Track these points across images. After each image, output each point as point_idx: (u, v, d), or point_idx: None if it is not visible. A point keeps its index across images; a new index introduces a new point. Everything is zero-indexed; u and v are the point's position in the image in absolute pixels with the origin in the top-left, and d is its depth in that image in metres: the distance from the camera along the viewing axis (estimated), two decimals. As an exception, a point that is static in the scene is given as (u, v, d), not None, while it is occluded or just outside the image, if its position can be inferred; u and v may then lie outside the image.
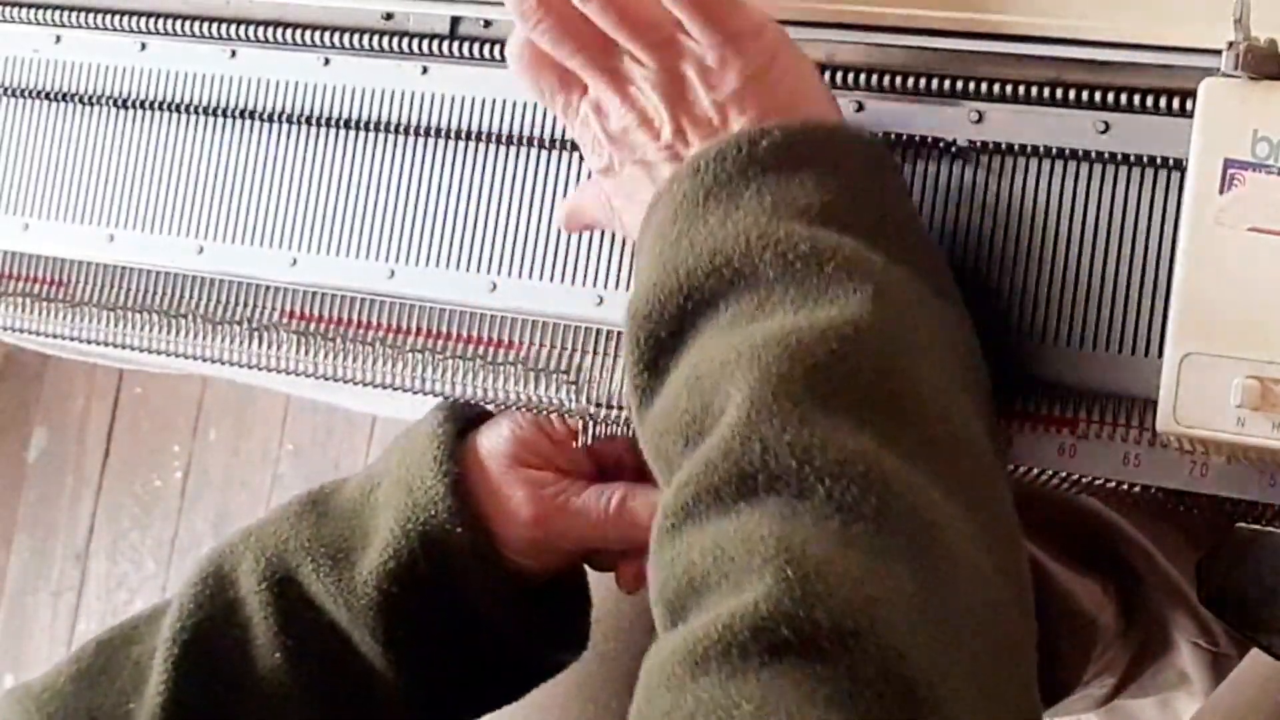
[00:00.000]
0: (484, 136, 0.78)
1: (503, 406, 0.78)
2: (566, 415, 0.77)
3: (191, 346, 0.83)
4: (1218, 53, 0.63)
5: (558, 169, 0.77)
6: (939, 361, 0.63)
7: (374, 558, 0.76)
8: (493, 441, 0.78)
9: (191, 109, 0.82)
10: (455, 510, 0.76)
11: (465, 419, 0.79)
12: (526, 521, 0.77)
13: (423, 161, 0.79)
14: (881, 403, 0.60)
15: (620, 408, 0.76)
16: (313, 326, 0.81)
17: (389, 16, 0.80)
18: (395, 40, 0.79)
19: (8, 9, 0.86)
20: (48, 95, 0.85)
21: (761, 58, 0.68)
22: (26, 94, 0.85)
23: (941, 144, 0.72)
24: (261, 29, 0.81)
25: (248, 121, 0.82)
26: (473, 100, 0.78)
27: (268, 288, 0.82)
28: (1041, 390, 0.70)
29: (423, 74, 0.79)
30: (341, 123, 0.80)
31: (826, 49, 0.73)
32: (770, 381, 0.59)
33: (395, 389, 0.80)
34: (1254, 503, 0.68)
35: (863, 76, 0.73)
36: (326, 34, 0.80)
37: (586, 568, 0.81)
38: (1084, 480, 0.70)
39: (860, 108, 0.73)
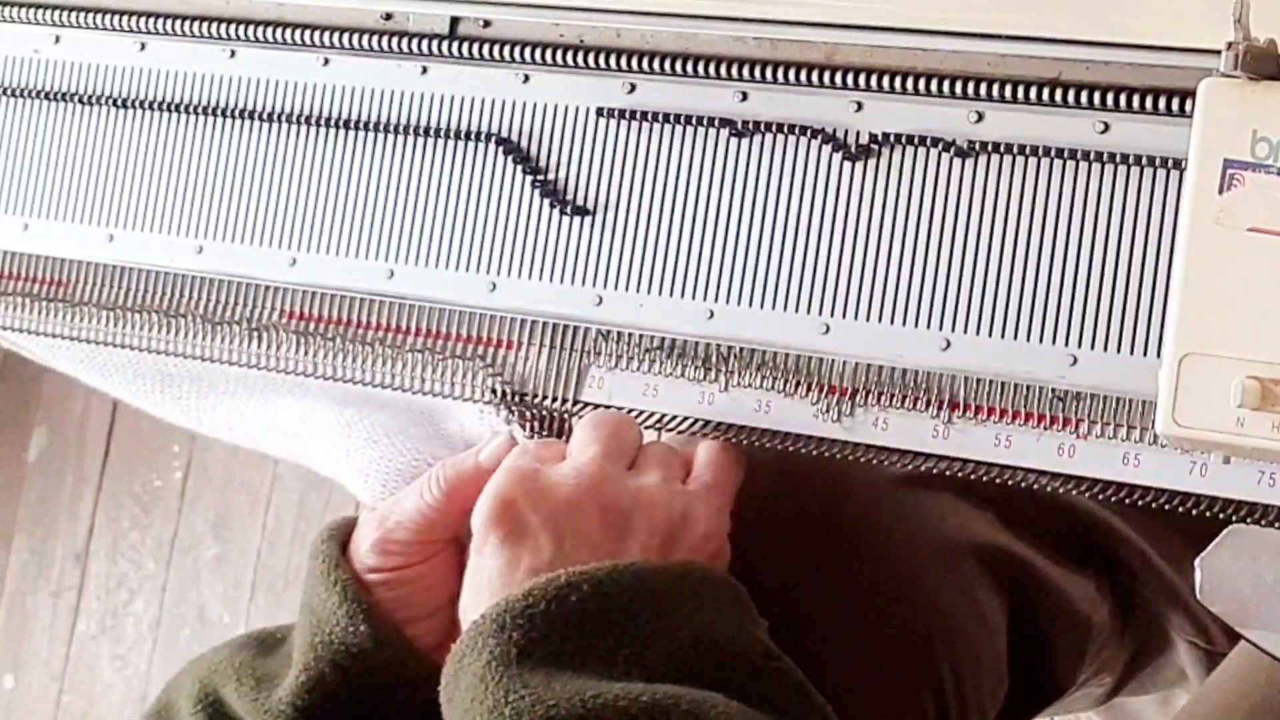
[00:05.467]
0: (484, 136, 0.78)
1: (500, 405, 0.79)
2: (562, 415, 0.78)
3: (191, 346, 0.83)
4: (1218, 53, 0.63)
5: (557, 169, 0.77)
6: None
7: (290, 679, 0.76)
8: (359, 552, 0.78)
9: (191, 109, 0.82)
10: (351, 615, 0.75)
11: (346, 533, 0.79)
12: (425, 600, 0.77)
13: (422, 161, 0.79)
14: None
15: (618, 409, 0.77)
16: (312, 326, 0.81)
17: (388, 16, 0.80)
18: (395, 40, 0.79)
19: (7, 9, 0.86)
20: (48, 95, 0.85)
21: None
22: (26, 94, 0.85)
23: (941, 144, 0.72)
24: (261, 29, 0.81)
25: (247, 121, 0.82)
26: (472, 100, 0.78)
27: (267, 287, 0.82)
28: (1040, 390, 0.70)
29: (422, 74, 0.79)
30: (341, 123, 0.80)
31: (826, 49, 0.74)
32: None
33: (395, 389, 0.80)
34: (1254, 503, 0.68)
35: (863, 76, 0.73)
36: (326, 34, 0.80)
37: None
38: (1084, 480, 0.70)
39: (860, 107, 0.73)
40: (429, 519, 0.77)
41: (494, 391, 0.78)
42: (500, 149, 0.78)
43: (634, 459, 0.76)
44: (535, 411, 0.78)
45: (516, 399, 0.78)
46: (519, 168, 0.77)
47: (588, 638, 0.68)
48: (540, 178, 0.77)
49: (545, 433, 0.78)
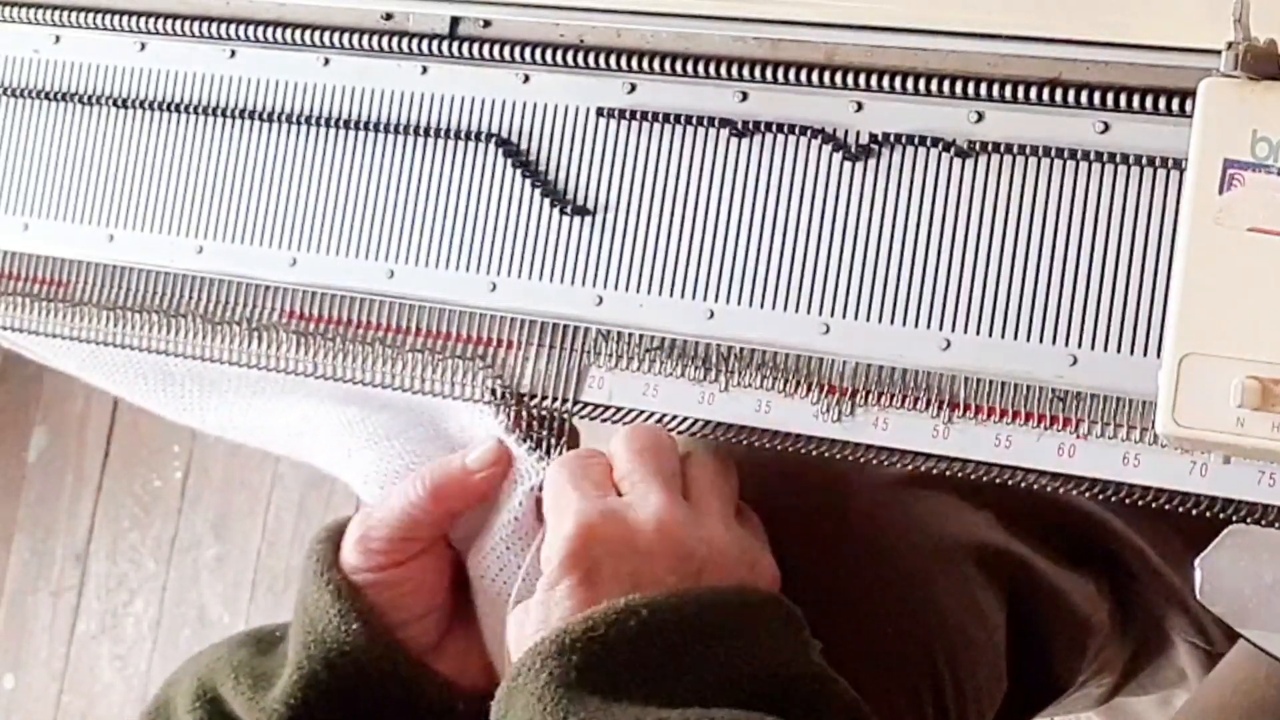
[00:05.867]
0: (484, 136, 0.78)
1: (499, 406, 0.79)
2: (562, 415, 0.78)
3: (191, 346, 0.83)
4: (1218, 53, 0.63)
5: (558, 169, 0.77)
6: None
7: (284, 678, 0.76)
8: (345, 552, 0.78)
9: (191, 109, 0.82)
10: (343, 614, 0.76)
11: (341, 534, 0.79)
12: (415, 602, 0.78)
13: (423, 161, 0.79)
14: None
15: (618, 409, 0.77)
16: (312, 326, 0.81)
17: (389, 16, 0.80)
18: (395, 40, 0.79)
19: (7, 9, 0.86)
20: (48, 95, 0.85)
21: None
22: (26, 94, 0.85)
23: (941, 144, 0.72)
24: (261, 29, 0.81)
25: (247, 121, 0.82)
26: (472, 100, 0.78)
27: (267, 288, 0.82)
28: (1040, 390, 0.70)
29: (422, 74, 0.79)
30: (341, 123, 0.80)
31: (826, 49, 0.74)
32: None
33: (395, 389, 0.80)
34: (1254, 503, 0.68)
35: (863, 76, 0.73)
36: (326, 34, 0.80)
37: None
38: (1084, 480, 0.70)
39: (860, 107, 0.73)
40: (412, 517, 0.78)
41: (493, 392, 0.78)
42: (500, 149, 0.78)
43: (684, 484, 0.76)
44: (534, 412, 0.78)
45: (516, 399, 0.78)
46: (519, 168, 0.77)
47: (647, 663, 0.67)
48: (540, 178, 0.77)
49: (544, 433, 0.78)
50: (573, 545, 0.71)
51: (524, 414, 0.78)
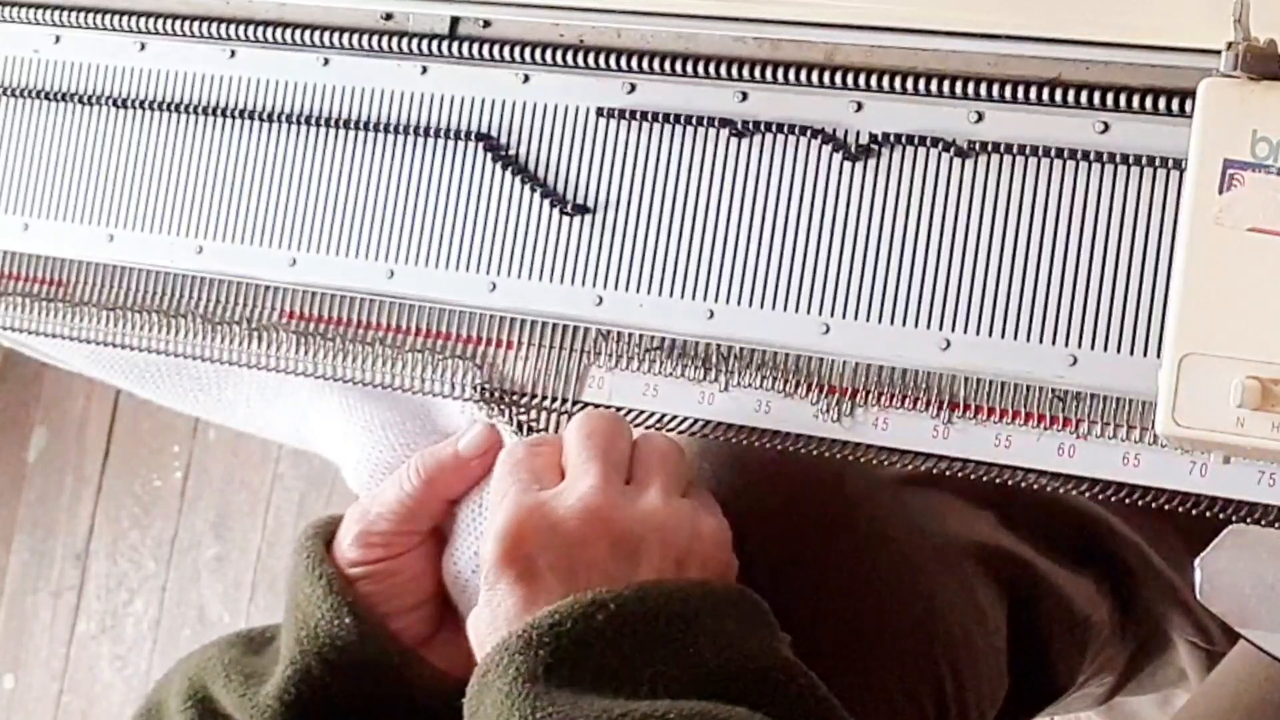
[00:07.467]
0: (483, 136, 0.78)
1: (497, 406, 0.79)
2: (564, 416, 0.78)
3: (191, 346, 0.83)
4: (1218, 53, 0.63)
5: (558, 169, 0.77)
6: None
7: (277, 674, 0.77)
8: (342, 546, 0.78)
9: (191, 109, 0.83)
10: (336, 608, 0.76)
11: (330, 530, 0.80)
12: (408, 593, 0.78)
13: (422, 161, 0.79)
14: None
15: (618, 409, 0.77)
16: (312, 326, 0.81)
17: (389, 16, 0.80)
18: (395, 40, 0.79)
19: (7, 9, 0.86)
20: (48, 95, 0.85)
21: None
22: (26, 94, 0.86)
23: (941, 144, 0.72)
24: (261, 29, 0.81)
25: (247, 121, 0.82)
26: (472, 100, 0.78)
27: (267, 288, 0.82)
28: (1040, 390, 0.70)
29: (422, 74, 0.79)
30: (341, 123, 0.80)
31: (826, 49, 0.74)
32: None
33: (395, 389, 0.80)
34: (1254, 503, 0.68)
35: (863, 76, 0.73)
36: (326, 34, 0.80)
37: None
38: (1084, 480, 0.70)
39: (860, 107, 0.73)
40: (409, 509, 0.78)
41: (491, 393, 0.78)
42: (500, 149, 0.78)
43: (630, 467, 0.76)
44: (533, 412, 0.78)
45: (514, 399, 0.78)
46: (518, 168, 0.77)
47: (614, 656, 0.68)
48: (540, 178, 0.77)
49: (541, 433, 0.78)
50: (503, 545, 0.71)
51: (524, 415, 0.78)
